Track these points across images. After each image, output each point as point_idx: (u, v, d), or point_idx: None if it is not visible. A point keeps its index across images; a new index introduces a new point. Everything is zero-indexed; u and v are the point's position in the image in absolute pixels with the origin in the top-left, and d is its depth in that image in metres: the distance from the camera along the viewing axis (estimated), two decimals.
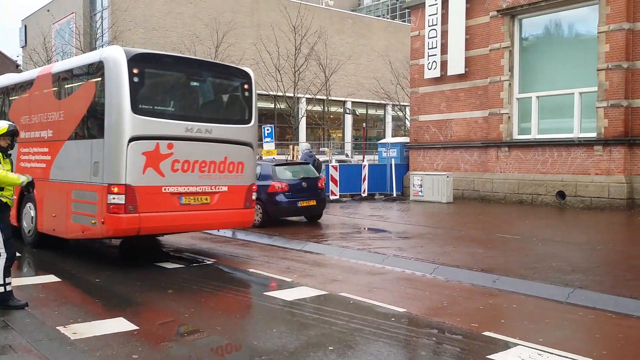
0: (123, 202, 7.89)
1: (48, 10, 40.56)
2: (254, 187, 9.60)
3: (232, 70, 9.81)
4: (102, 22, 34.84)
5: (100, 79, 8.36)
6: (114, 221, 7.98)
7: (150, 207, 8.16)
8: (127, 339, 5.39)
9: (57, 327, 5.63)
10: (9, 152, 6.32)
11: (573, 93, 16.56)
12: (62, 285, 7.87)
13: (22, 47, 46.06)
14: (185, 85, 9.13)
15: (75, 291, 7.85)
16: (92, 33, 33.45)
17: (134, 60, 8.14)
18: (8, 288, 6.14)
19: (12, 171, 6.26)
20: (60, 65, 10.01)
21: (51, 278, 8.18)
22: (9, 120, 7.52)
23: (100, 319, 6.11)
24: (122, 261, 10.11)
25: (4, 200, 6.11)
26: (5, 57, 78.20)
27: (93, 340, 5.30)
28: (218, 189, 8.95)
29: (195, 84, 9.17)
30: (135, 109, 8.01)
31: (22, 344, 5.03)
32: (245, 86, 9.47)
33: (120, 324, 5.83)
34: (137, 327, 5.73)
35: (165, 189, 8.32)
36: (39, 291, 7.25)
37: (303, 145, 19.04)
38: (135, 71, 8.03)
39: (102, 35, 33.71)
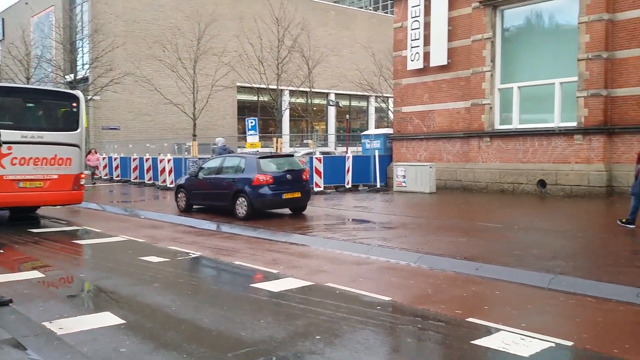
0: None
1: (26, 3, 39.92)
2: (81, 175, 13.39)
3: (63, 94, 14.69)
4: (82, 15, 34.36)
5: None
6: None
7: None
8: (115, 333, 5.40)
9: (43, 323, 5.61)
10: None
11: (554, 83, 16.75)
12: (46, 280, 7.83)
13: (0, 40, 45.27)
14: (22, 106, 13.17)
15: (60, 286, 7.81)
16: (72, 26, 32.98)
17: None
18: None
19: None
20: None
21: (35, 274, 8.14)
22: None
23: (87, 314, 6.11)
24: (107, 255, 10.07)
25: None
26: None
27: (80, 335, 5.30)
28: (49, 176, 12.77)
29: (30, 104, 13.27)
30: None
31: (7, 341, 5.01)
32: (74, 104, 13.31)
33: (107, 318, 5.83)
34: (125, 321, 5.73)
35: (5, 177, 12.12)
36: (24, 287, 7.20)
37: (218, 139, 19.40)
38: None
39: (83, 29, 33.27)
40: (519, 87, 17.62)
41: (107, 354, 4.84)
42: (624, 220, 10.59)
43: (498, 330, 5.33)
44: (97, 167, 27.13)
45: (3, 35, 44.46)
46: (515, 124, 17.68)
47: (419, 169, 18.62)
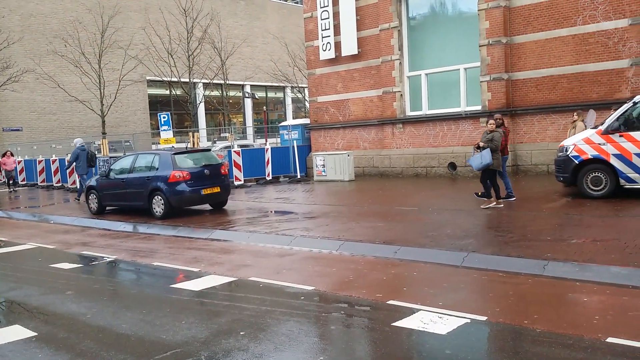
0: None
1: None
2: None
3: None
4: None
5: None
6: None
7: None
8: (26, 347, 5.11)
9: None
10: None
11: (459, 69, 17.48)
12: None
13: None
14: None
15: None
16: None
17: None
18: None
19: None
20: None
21: None
22: None
23: None
24: (14, 265, 9.46)
25: None
26: None
27: None
28: None
29: None
30: None
31: None
32: None
33: (17, 332, 5.50)
34: (36, 333, 5.43)
35: None
36: None
37: (76, 140, 18.67)
38: None
39: None
40: (427, 74, 18.23)
41: None
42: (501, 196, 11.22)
43: (417, 310, 5.52)
44: (12, 172, 23.92)
45: None
46: (425, 110, 18.30)
47: (338, 157, 18.87)
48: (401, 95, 18.63)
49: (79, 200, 17.47)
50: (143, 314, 5.94)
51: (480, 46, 16.67)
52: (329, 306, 6.00)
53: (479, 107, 16.95)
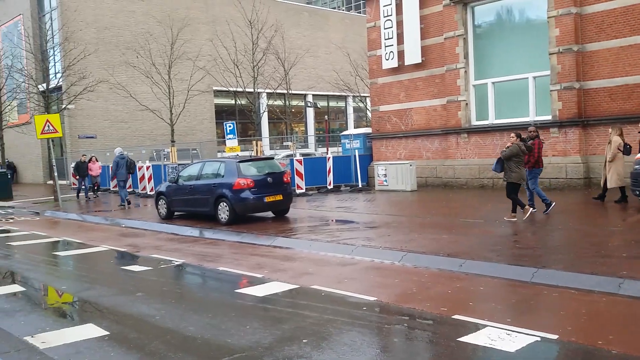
0: None
1: None
2: None
3: None
4: (51, 24, 33.81)
5: None
6: None
7: None
8: (99, 345, 5.32)
9: (24, 338, 5.51)
10: None
11: (527, 77, 16.97)
12: (27, 294, 7.69)
13: None
14: None
15: (42, 299, 7.68)
16: (42, 35, 32.42)
17: None
18: None
19: None
20: None
21: (15, 288, 7.99)
22: None
23: (70, 326, 6.01)
24: (88, 266, 9.92)
25: None
26: None
27: (63, 348, 5.21)
28: None
29: None
30: None
31: None
32: None
33: (90, 330, 5.74)
34: (108, 333, 5.65)
35: None
36: (3, 301, 7.05)
37: (116, 149, 19.99)
38: None
39: (53, 37, 32.72)
40: (493, 83, 17.81)
41: None
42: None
43: (484, 326, 5.37)
44: (97, 177, 24.13)
45: None
46: (492, 120, 17.87)
47: (400, 167, 18.71)
48: (466, 104, 18.29)
49: (124, 206, 18.45)
50: (209, 317, 6.07)
51: (550, 54, 16.13)
52: (392, 318, 5.93)
53: (549, 117, 16.39)
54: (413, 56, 19.62)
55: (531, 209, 11.34)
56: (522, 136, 11.60)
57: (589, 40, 15.69)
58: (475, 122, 18.29)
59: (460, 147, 18.48)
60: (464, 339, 5.06)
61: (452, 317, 5.71)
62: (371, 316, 5.93)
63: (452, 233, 10.18)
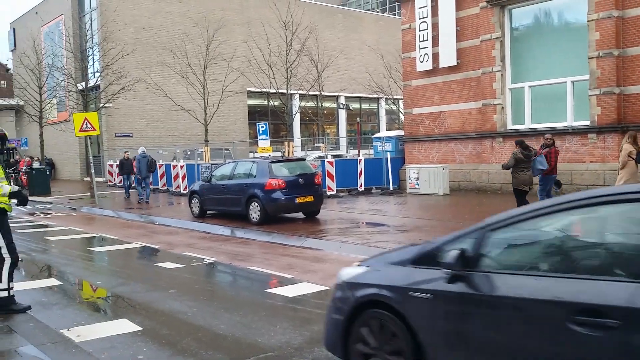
0: None
1: (36, 13, 40.33)
2: None
3: None
4: (91, 24, 34.65)
5: None
6: None
7: None
8: (132, 340, 5.42)
9: (60, 331, 5.65)
10: None
11: (565, 82, 16.61)
12: (63, 288, 7.89)
13: (12, 50, 45.77)
14: None
15: (78, 294, 7.87)
16: (82, 35, 33.25)
17: None
18: (11, 292, 6.15)
19: (4, 177, 6.23)
20: None
21: (52, 281, 8.20)
22: None
23: (104, 321, 6.14)
24: (123, 262, 10.12)
25: (2, 205, 6.10)
26: None
27: (98, 342, 5.32)
28: None
29: None
30: None
31: (27, 349, 5.04)
32: None
33: (124, 325, 5.85)
34: (141, 328, 5.75)
35: None
36: (41, 294, 7.25)
37: (140, 149, 21.32)
38: None
39: (92, 37, 33.54)
40: (530, 87, 17.50)
41: None
42: None
43: None
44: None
45: (15, 45, 44.93)
46: (528, 124, 17.56)
47: (432, 170, 18.54)
48: (502, 108, 18.01)
49: (146, 202, 19.81)
50: (240, 315, 6.12)
51: (589, 58, 15.76)
52: None
53: (587, 122, 16.01)
54: (448, 58, 19.43)
55: None
56: (525, 143, 12.01)
57: (631, 45, 15.26)
58: (511, 127, 18.00)
59: (495, 151, 18.20)
60: None
61: None
62: None
63: None
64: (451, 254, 3.39)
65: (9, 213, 6.27)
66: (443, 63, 19.60)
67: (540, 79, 17.34)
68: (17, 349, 4.93)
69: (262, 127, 21.55)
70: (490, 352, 3.28)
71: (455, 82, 19.53)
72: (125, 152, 22.45)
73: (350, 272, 4.33)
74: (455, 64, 19.27)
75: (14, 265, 6.15)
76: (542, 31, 17.64)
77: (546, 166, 11.57)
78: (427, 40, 20.09)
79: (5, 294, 6.08)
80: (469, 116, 19.20)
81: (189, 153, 28.87)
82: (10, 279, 6.11)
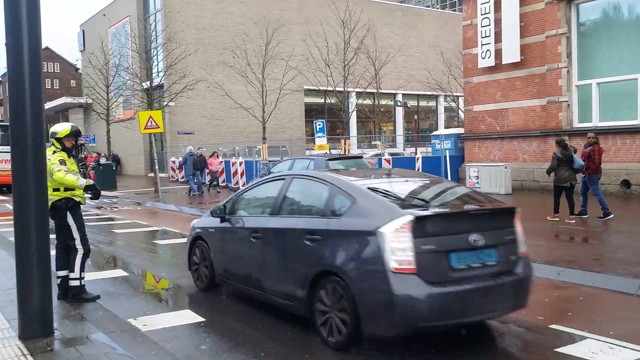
0: None
1: (104, 15, 42.01)
2: None
3: None
4: (155, 25, 35.76)
5: None
6: None
7: None
8: (195, 331, 5.58)
9: (128, 320, 5.87)
10: (72, 152, 6.60)
11: (636, 78, 15.82)
12: (128, 279, 8.20)
13: (81, 51, 47.85)
14: None
15: (143, 284, 8.16)
16: (147, 35, 34.38)
17: None
18: (83, 282, 6.44)
19: (77, 171, 6.52)
20: None
21: (119, 272, 8.54)
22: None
23: (168, 311, 6.34)
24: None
25: (77, 199, 6.39)
26: (66, 61, 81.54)
27: (162, 332, 5.50)
28: None
29: None
30: None
31: (97, 336, 5.27)
32: None
33: (187, 316, 6.03)
34: (204, 319, 5.90)
35: None
36: (109, 285, 7.56)
37: (188, 147, 22.84)
38: None
39: (157, 38, 34.62)
40: (598, 84, 16.77)
41: (189, 351, 5.00)
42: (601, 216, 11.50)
43: (584, 338, 5.09)
44: (216, 172, 23.76)
45: (84, 46, 46.95)
46: (595, 122, 16.84)
47: (493, 169, 18.08)
48: (568, 105, 17.36)
49: (195, 195, 20.95)
50: None
51: None
52: (486, 324, 5.74)
53: None
54: (511, 55, 18.89)
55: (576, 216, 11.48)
56: (565, 142, 12.07)
57: None
58: (577, 125, 17.33)
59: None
60: (562, 349, 4.82)
61: (550, 326, 5.46)
62: None
63: (549, 240, 9.70)
64: (220, 208, 6.70)
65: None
66: (506, 59, 19.08)
67: (609, 76, 16.59)
68: (88, 336, 5.15)
69: (320, 124, 21.65)
70: (232, 253, 6.53)
71: (519, 79, 18.97)
72: (199, 148, 22.94)
73: (194, 221, 7.76)
74: (519, 60, 18.71)
75: (86, 256, 6.43)
76: (610, 26, 16.88)
77: (582, 164, 11.63)
78: (489, 36, 19.61)
79: (77, 283, 6.37)
80: (532, 113, 18.61)
81: (247, 150, 29.36)
82: (82, 269, 6.39)
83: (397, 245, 4.44)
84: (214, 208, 6.82)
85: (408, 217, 4.50)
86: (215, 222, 6.77)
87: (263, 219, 6.13)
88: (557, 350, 4.82)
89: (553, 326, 5.45)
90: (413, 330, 4.58)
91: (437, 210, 4.96)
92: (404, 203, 4.98)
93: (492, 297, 4.73)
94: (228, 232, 6.59)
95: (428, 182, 5.95)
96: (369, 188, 5.18)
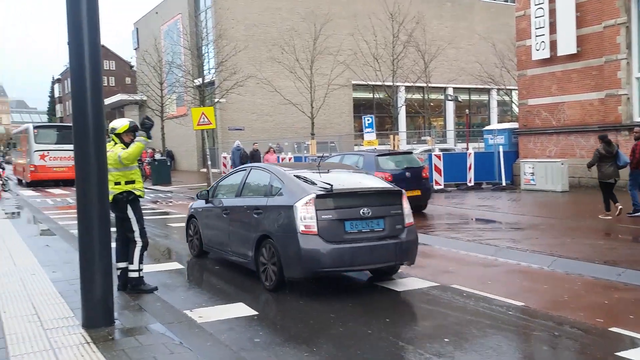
0: None
1: (157, 13, 43.08)
2: None
3: None
4: (206, 22, 36.38)
5: None
6: None
7: None
8: (249, 324, 5.68)
9: (184, 311, 6.03)
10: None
11: None
12: (183, 272, 8.41)
13: (135, 49, 49.17)
14: None
15: (197, 277, 8.36)
16: (198, 32, 35.04)
17: None
18: (141, 274, 6.66)
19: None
20: None
21: (174, 265, 8.78)
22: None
23: (222, 304, 6.48)
24: None
25: (137, 192, 6.61)
26: (121, 59, 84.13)
27: (217, 324, 5.63)
28: None
29: None
30: None
31: (156, 326, 5.44)
32: None
33: (241, 309, 6.15)
34: (257, 313, 6.01)
35: None
36: (166, 277, 7.79)
37: (235, 142, 23.63)
38: None
39: (208, 35, 35.23)
40: None
41: (243, 344, 5.10)
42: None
43: None
44: None
45: (138, 44, 48.28)
46: None
47: (549, 165, 17.55)
48: (628, 98, 16.66)
49: None
50: (349, 307, 6.18)
51: None
52: (540, 325, 5.60)
53: None
54: (567, 46, 18.26)
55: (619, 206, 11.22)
56: (608, 138, 11.84)
57: None
58: (638, 118, 16.61)
59: (621, 145, 16.81)
60: (623, 354, 4.66)
61: (609, 329, 5.28)
62: (518, 321, 5.67)
63: (609, 239, 9.38)
64: (204, 192, 8.80)
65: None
66: (561, 51, 18.46)
67: None
68: (147, 326, 5.33)
69: (368, 120, 21.56)
70: (212, 227, 8.43)
71: (575, 71, 18.33)
72: (253, 144, 23.37)
73: (191, 203, 9.65)
74: (575, 51, 18.07)
75: (144, 248, 6.65)
76: None
77: (627, 160, 11.45)
78: (543, 27, 19.01)
79: (136, 274, 6.59)
80: (590, 107, 17.95)
81: (296, 146, 29.54)
82: (141, 261, 6.61)
83: (305, 215, 6.36)
84: (200, 192, 8.92)
85: (312, 195, 6.44)
86: (202, 203, 8.83)
87: (230, 199, 8.10)
88: (618, 354, 4.66)
89: (613, 329, 5.27)
90: (316, 274, 6.51)
91: (336, 190, 6.54)
92: (315, 186, 6.64)
93: (376, 253, 6.55)
94: (210, 211, 8.58)
95: (344, 172, 7.92)
96: (295, 175, 7.00)
